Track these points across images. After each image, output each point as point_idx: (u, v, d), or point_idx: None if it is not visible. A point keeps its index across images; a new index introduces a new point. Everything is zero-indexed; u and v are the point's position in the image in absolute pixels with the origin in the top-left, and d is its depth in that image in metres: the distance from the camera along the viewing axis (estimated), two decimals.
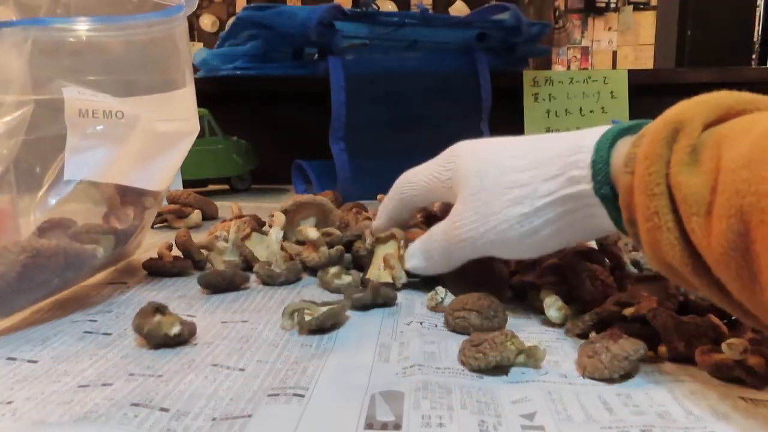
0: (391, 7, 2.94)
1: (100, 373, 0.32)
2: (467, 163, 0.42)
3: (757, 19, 2.63)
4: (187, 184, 0.92)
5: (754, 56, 2.69)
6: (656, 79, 1.21)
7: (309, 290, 0.48)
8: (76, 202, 0.42)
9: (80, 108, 0.41)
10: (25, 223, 0.42)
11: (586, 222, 0.36)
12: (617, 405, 0.29)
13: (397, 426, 0.27)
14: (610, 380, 0.31)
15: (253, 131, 1.07)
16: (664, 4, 2.94)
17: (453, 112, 1.01)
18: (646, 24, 4.10)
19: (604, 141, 0.34)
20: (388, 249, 0.48)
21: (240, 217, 0.62)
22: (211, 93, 0.97)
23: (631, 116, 1.11)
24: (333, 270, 0.49)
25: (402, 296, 0.45)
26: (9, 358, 0.34)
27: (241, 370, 0.33)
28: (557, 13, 4.06)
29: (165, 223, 0.73)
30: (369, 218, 0.63)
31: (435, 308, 0.42)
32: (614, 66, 4.18)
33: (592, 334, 0.36)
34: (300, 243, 0.55)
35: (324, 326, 0.38)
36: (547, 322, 0.40)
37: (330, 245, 0.52)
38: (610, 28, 4.29)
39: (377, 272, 0.48)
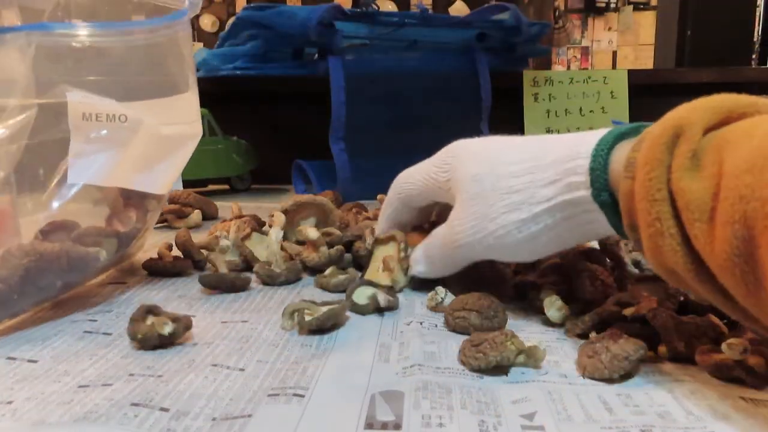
0: (391, 7, 2.94)
1: (100, 373, 0.32)
2: (465, 165, 0.41)
3: (757, 19, 2.63)
4: (187, 184, 0.92)
5: (754, 56, 2.69)
6: (656, 79, 1.21)
7: (309, 290, 0.48)
8: (76, 202, 0.42)
9: (84, 111, 0.41)
10: (28, 224, 0.42)
11: (584, 227, 0.36)
12: (617, 405, 0.29)
13: (397, 426, 0.27)
14: (610, 380, 0.31)
15: (253, 131, 1.07)
16: (664, 4, 2.94)
17: (453, 112, 1.01)
18: (646, 24, 4.11)
19: (601, 147, 0.34)
20: (388, 251, 0.48)
21: (240, 217, 0.62)
22: (211, 93, 0.97)
23: (631, 116, 1.11)
24: (328, 271, 0.49)
25: (402, 296, 0.45)
26: (9, 358, 0.34)
27: (241, 370, 0.33)
28: (557, 13, 4.06)
29: (165, 223, 0.73)
30: (369, 218, 0.63)
31: (435, 308, 0.42)
32: (614, 66, 4.18)
33: (592, 334, 0.36)
34: (300, 243, 0.55)
35: (324, 326, 0.38)
36: (547, 322, 0.40)
37: (330, 245, 0.52)
38: (610, 28, 4.29)
39: (376, 274, 0.48)
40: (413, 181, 0.47)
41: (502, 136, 0.43)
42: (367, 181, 0.79)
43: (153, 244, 0.58)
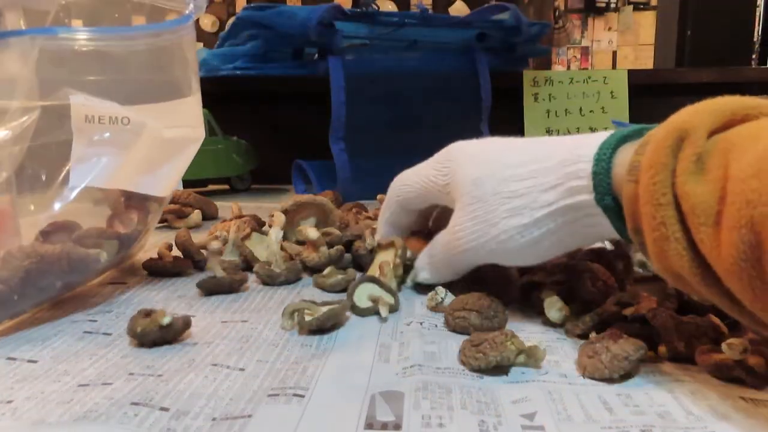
0: (391, 7, 2.94)
1: (100, 373, 0.32)
2: (464, 169, 0.41)
3: (757, 19, 2.63)
4: (187, 184, 0.92)
5: (754, 56, 2.69)
6: (656, 79, 1.21)
7: (309, 290, 0.48)
8: (77, 201, 0.42)
9: (87, 114, 0.41)
10: (29, 225, 0.42)
11: (587, 230, 0.36)
12: (617, 405, 0.29)
13: (397, 426, 0.27)
14: (610, 380, 0.31)
15: (253, 131, 1.07)
16: (664, 4, 2.94)
17: (453, 112, 1.01)
18: (646, 24, 4.10)
19: (604, 150, 0.34)
20: (387, 256, 0.48)
21: (240, 217, 0.62)
22: (211, 93, 0.97)
23: (631, 116, 1.11)
24: (327, 271, 0.49)
25: (402, 296, 0.45)
26: (9, 358, 0.34)
27: (241, 369, 0.33)
28: (557, 13, 4.06)
29: (165, 223, 0.73)
30: (369, 218, 0.63)
31: (435, 308, 0.42)
32: (614, 66, 4.18)
33: (592, 335, 0.36)
34: (300, 243, 0.55)
35: (324, 326, 0.38)
36: (547, 322, 0.40)
37: (330, 245, 0.52)
38: (610, 28, 4.29)
39: None
40: (411, 183, 0.46)
41: (501, 138, 0.43)
42: (367, 181, 0.79)
43: (153, 244, 0.58)
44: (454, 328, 0.38)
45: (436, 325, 0.39)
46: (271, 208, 0.69)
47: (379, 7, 1.03)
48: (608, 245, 0.46)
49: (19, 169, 0.40)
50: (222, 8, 3.57)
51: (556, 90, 1.12)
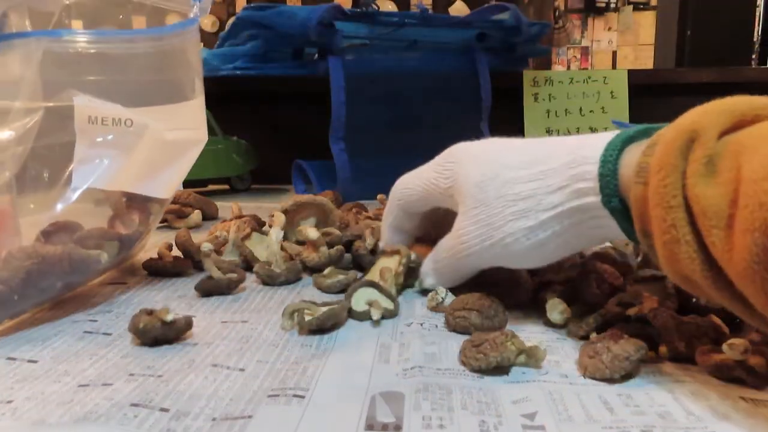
0: (391, 7, 2.94)
1: (100, 373, 0.32)
2: (467, 171, 0.41)
3: (757, 19, 2.63)
4: (187, 184, 0.92)
5: (754, 56, 2.69)
6: (656, 79, 1.21)
7: (309, 290, 0.48)
8: (79, 201, 0.42)
9: (90, 115, 0.41)
10: (30, 225, 0.42)
11: (593, 232, 0.36)
12: (618, 405, 0.29)
13: (398, 427, 0.27)
14: (610, 380, 0.31)
15: (253, 131, 1.07)
16: (664, 4, 2.94)
17: (453, 112, 1.01)
18: (646, 24, 4.10)
19: (610, 152, 0.33)
20: (390, 263, 0.47)
21: (240, 217, 0.62)
22: (211, 93, 0.96)
23: (631, 116, 1.11)
24: (326, 271, 0.49)
25: (402, 298, 0.45)
26: (9, 358, 0.34)
27: (241, 370, 0.33)
28: (557, 13, 4.06)
29: (165, 223, 0.73)
30: (369, 218, 0.63)
31: (435, 308, 0.42)
32: (614, 66, 4.18)
33: (593, 335, 0.36)
34: (300, 243, 0.55)
35: (324, 326, 0.38)
36: (548, 322, 0.40)
37: (330, 245, 0.52)
38: (610, 28, 4.29)
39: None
40: (412, 186, 0.46)
41: (502, 138, 0.42)
42: (367, 181, 0.79)
43: (153, 244, 0.58)
44: (455, 328, 0.38)
45: (436, 326, 0.39)
46: (271, 208, 0.69)
47: (379, 7, 1.03)
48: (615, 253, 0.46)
49: (22, 169, 0.40)
50: (222, 8, 3.57)
51: (556, 90, 1.12)
